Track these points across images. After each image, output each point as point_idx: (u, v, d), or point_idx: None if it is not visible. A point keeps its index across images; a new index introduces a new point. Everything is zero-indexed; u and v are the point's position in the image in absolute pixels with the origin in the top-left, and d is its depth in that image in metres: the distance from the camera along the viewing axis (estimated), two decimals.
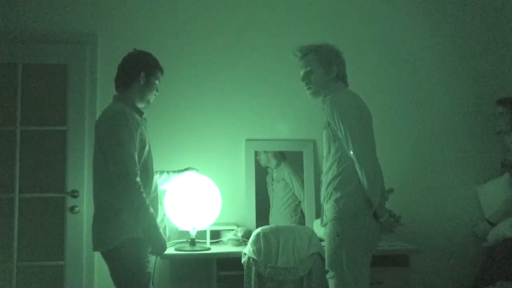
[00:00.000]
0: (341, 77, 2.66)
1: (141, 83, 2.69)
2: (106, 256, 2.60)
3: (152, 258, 2.68)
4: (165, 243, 2.59)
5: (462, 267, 3.69)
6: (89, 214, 3.50)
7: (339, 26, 3.82)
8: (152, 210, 2.52)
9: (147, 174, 2.65)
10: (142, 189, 2.49)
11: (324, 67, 2.63)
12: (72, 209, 3.54)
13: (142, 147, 2.62)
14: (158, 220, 2.65)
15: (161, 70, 2.79)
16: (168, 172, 3.18)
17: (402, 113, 3.82)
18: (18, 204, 3.55)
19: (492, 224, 3.25)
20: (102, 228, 2.57)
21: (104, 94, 3.55)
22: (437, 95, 3.85)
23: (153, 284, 2.67)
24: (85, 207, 3.55)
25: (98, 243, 2.60)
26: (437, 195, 3.78)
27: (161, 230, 2.57)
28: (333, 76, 2.63)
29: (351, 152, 2.47)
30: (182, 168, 3.29)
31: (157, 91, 2.80)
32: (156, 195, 2.75)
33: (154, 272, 2.75)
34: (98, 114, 3.51)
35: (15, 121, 3.58)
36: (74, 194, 3.55)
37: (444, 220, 3.76)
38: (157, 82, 2.77)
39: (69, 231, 3.55)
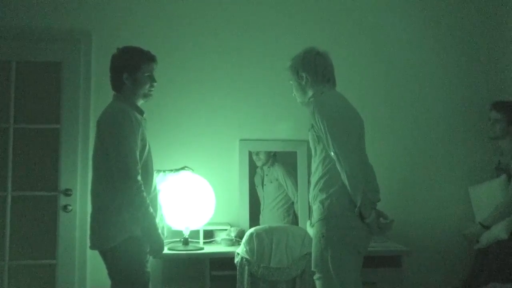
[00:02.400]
0: (319, 80, 2.64)
1: (128, 83, 2.67)
2: (105, 255, 2.58)
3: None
4: (163, 244, 2.60)
5: (454, 267, 3.71)
6: (82, 213, 3.49)
7: (335, 26, 3.82)
8: (151, 210, 2.52)
9: (147, 173, 2.65)
10: (143, 188, 2.50)
11: (295, 78, 2.71)
12: (65, 207, 3.52)
13: (143, 146, 2.62)
14: (157, 220, 2.65)
15: (148, 61, 2.71)
16: (164, 171, 3.18)
17: (394, 114, 3.82)
18: (10, 202, 3.53)
19: (486, 227, 3.26)
20: (102, 226, 2.55)
21: (98, 92, 3.54)
22: (430, 97, 3.86)
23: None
24: (78, 205, 3.53)
25: (97, 242, 2.58)
26: (429, 196, 3.79)
27: (159, 230, 2.56)
28: (304, 82, 2.66)
29: (332, 153, 2.48)
30: (178, 167, 3.29)
31: (154, 81, 2.73)
32: (156, 195, 2.75)
33: None
34: (92, 112, 3.52)
35: (8, 119, 3.56)
36: (67, 192, 3.53)
37: (436, 221, 3.77)
38: (146, 74, 2.69)
39: (61, 230, 3.53)
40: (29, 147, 3.58)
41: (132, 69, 2.66)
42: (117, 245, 2.51)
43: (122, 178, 2.47)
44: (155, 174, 2.85)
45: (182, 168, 3.28)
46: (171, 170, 3.23)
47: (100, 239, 2.57)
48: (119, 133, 2.51)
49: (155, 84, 2.75)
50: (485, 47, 3.93)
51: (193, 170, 3.31)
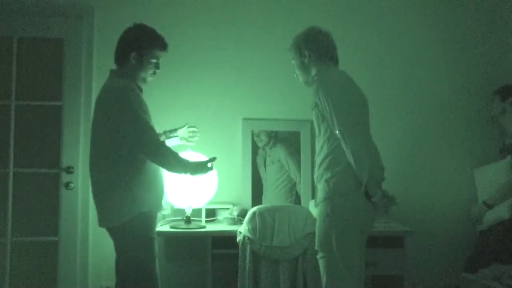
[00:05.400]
0: (323, 58, 2.63)
1: (133, 62, 2.62)
2: (114, 232, 2.57)
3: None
4: (198, 163, 2.69)
5: (456, 248, 3.71)
6: (84, 190, 3.50)
7: (341, 7, 3.78)
8: (178, 155, 2.60)
9: None
10: (167, 145, 2.60)
11: (297, 55, 2.69)
12: (67, 185, 3.52)
13: (150, 120, 2.61)
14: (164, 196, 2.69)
15: (160, 47, 2.67)
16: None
17: (399, 95, 3.80)
18: (12, 179, 3.52)
19: (490, 207, 3.26)
20: (111, 204, 2.53)
21: (100, 69, 3.52)
22: (435, 78, 3.83)
23: None
24: (80, 183, 3.52)
25: (107, 219, 2.56)
26: (433, 177, 3.78)
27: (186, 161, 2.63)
28: (307, 61, 2.64)
29: (337, 131, 2.46)
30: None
31: (157, 68, 2.70)
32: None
33: None
34: (94, 89, 3.51)
35: (10, 96, 3.54)
36: (69, 170, 3.52)
37: (440, 202, 3.77)
38: (153, 61, 2.66)
39: (63, 207, 3.53)
40: (31, 124, 3.56)
41: (141, 50, 2.62)
42: (127, 222, 2.50)
43: (151, 147, 2.50)
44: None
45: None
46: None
47: (109, 216, 2.54)
48: (132, 108, 2.49)
49: (157, 71, 2.72)
50: (493, 29, 3.89)
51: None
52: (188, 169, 2.62)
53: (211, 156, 3.14)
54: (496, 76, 3.81)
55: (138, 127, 2.48)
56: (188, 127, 3.24)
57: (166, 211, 2.71)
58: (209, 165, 2.72)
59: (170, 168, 2.60)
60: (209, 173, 2.75)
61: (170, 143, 3.13)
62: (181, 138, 3.24)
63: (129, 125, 2.48)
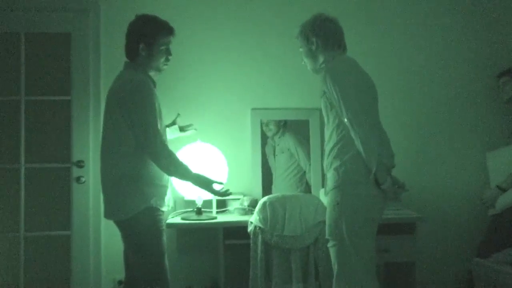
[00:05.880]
0: (330, 44, 2.62)
1: (143, 54, 2.62)
2: (121, 225, 2.59)
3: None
4: (208, 179, 2.67)
5: (468, 233, 3.69)
6: (95, 184, 3.51)
7: None
8: (184, 162, 2.60)
9: None
10: (171, 150, 2.57)
11: (305, 43, 2.67)
12: (78, 179, 3.54)
13: (159, 117, 2.62)
14: (168, 191, 2.69)
15: (166, 33, 2.66)
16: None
17: (409, 79, 3.76)
18: (24, 175, 3.55)
19: (503, 190, 3.24)
20: (121, 197, 2.54)
21: (108, 63, 3.53)
22: (446, 61, 3.79)
23: None
24: (91, 177, 3.54)
25: (114, 212, 2.58)
26: (444, 162, 3.76)
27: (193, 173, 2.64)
28: (314, 48, 2.63)
29: (345, 119, 2.45)
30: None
31: (169, 55, 2.70)
32: None
33: None
34: (102, 82, 3.51)
35: (20, 91, 3.56)
36: (80, 164, 3.54)
37: (451, 187, 3.74)
38: (163, 48, 2.65)
39: (75, 201, 3.56)
40: (41, 119, 3.58)
41: (148, 40, 2.61)
42: (135, 216, 2.51)
43: (153, 152, 2.50)
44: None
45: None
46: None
47: (117, 209, 2.56)
48: (143, 104, 2.49)
49: (170, 57, 2.71)
50: (499, 10, 3.83)
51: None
52: (188, 178, 2.63)
53: (222, 148, 3.17)
54: (504, 58, 3.76)
55: (145, 129, 2.50)
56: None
57: (166, 207, 2.70)
58: (216, 187, 2.71)
59: (169, 173, 2.61)
60: (212, 193, 2.75)
61: (171, 135, 3.14)
62: (181, 130, 3.24)
63: (137, 125, 2.50)
